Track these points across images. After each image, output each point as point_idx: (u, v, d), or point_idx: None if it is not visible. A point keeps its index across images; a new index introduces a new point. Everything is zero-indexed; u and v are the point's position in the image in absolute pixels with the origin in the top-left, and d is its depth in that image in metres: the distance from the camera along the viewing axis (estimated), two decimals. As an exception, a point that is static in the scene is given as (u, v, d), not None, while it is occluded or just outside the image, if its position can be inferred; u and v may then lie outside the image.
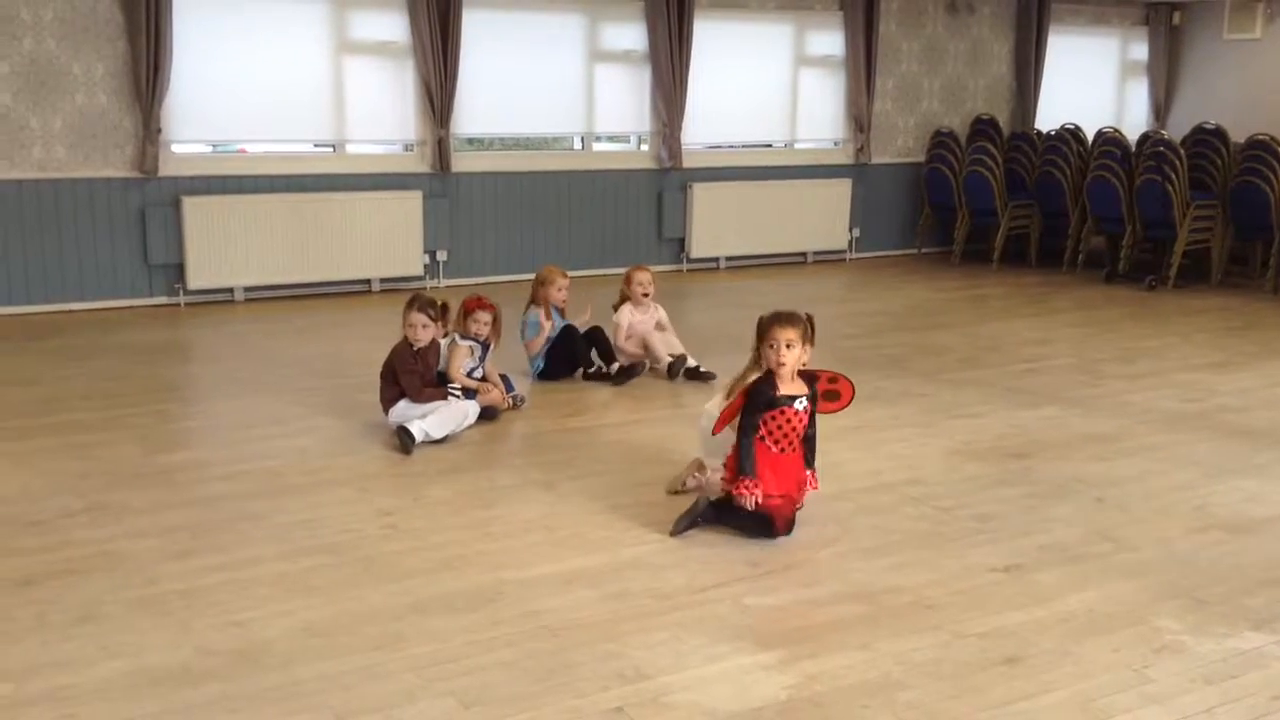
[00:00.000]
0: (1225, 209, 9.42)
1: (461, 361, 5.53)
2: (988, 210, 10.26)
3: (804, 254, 10.31)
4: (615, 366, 6.19)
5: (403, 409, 5.21)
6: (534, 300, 6.26)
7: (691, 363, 6.29)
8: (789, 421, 4.08)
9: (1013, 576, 3.85)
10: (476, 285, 8.15)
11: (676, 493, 4.47)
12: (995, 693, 3.12)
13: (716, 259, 10.02)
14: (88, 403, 5.69)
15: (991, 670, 3.23)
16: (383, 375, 5.33)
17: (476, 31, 8.65)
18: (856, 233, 10.66)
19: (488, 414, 5.49)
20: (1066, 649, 3.36)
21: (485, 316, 5.61)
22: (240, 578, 3.74)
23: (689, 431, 5.03)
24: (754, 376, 4.14)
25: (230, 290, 8.18)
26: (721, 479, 4.20)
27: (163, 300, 8.04)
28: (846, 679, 3.17)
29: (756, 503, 4.00)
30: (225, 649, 3.28)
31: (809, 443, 4.21)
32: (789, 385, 4.09)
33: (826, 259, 10.53)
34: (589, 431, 5.46)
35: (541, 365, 6.22)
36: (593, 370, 6.24)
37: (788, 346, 4.04)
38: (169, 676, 3.12)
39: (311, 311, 8.02)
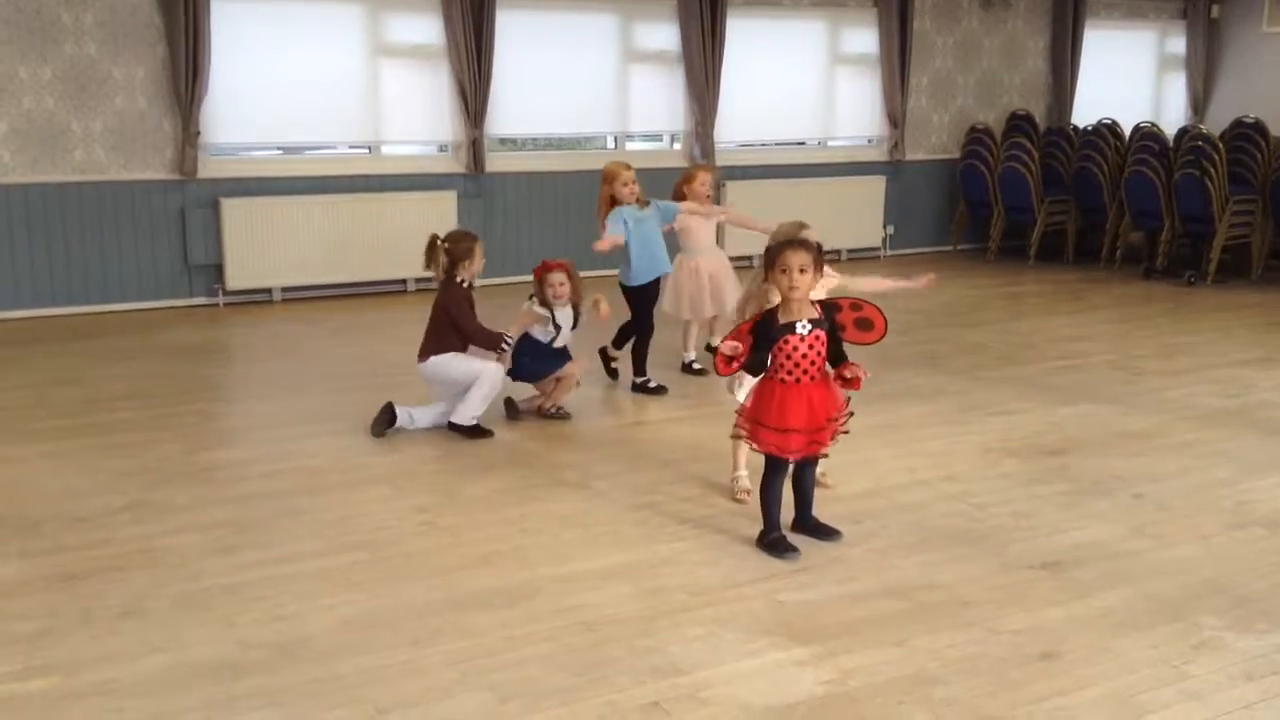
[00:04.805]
0: (1265, 203, 9.31)
1: (527, 325, 5.45)
2: (1024, 207, 10.18)
3: (838, 252, 10.27)
4: (648, 381, 6.01)
5: (442, 389, 5.25)
6: (604, 201, 5.97)
7: (691, 356, 6.43)
8: (796, 349, 3.82)
9: (1050, 573, 3.84)
10: (511, 285, 8.19)
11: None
12: (1032, 689, 3.11)
13: (750, 257, 9.99)
14: (129, 402, 5.77)
15: (1028, 666, 3.23)
16: (435, 321, 5.27)
17: (510, 33, 8.69)
18: (891, 230, 10.61)
19: (548, 412, 5.51)
20: (1104, 645, 3.34)
21: (559, 276, 5.38)
22: (281, 573, 3.79)
23: (723, 430, 5.03)
24: (759, 307, 3.97)
25: (268, 291, 8.26)
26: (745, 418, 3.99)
27: (202, 301, 8.14)
28: (882, 675, 3.18)
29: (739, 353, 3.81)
30: (267, 643, 3.32)
31: (834, 360, 3.92)
32: (797, 313, 3.86)
33: (861, 257, 10.48)
34: (624, 429, 5.48)
35: (630, 268, 5.96)
36: (641, 382, 6.04)
37: (800, 272, 3.79)
38: (212, 670, 3.18)
39: (348, 311, 8.09)
